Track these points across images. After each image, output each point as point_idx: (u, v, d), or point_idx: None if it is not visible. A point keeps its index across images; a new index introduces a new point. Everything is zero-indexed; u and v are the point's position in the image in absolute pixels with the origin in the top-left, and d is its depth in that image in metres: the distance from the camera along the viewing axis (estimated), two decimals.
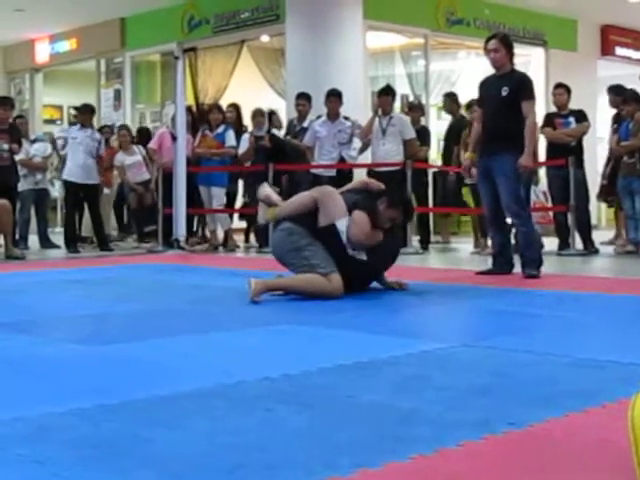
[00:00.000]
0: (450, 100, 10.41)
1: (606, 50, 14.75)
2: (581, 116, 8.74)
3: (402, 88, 12.11)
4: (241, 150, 9.82)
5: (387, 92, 9.08)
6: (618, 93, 8.98)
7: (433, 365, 2.88)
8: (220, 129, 9.88)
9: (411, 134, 9.03)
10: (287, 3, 11.60)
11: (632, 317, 4.19)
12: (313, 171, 9.27)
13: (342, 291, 4.69)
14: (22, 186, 9.79)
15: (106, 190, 10.87)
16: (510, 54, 6.25)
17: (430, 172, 10.49)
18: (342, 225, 4.81)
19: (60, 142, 10.53)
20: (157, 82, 14.71)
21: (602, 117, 11.45)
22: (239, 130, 10.11)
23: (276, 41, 12.56)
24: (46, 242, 10.31)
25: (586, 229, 8.64)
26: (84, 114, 10.01)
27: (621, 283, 5.98)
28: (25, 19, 13.98)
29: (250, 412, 2.23)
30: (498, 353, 3.08)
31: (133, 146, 10.61)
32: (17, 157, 9.47)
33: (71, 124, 11.13)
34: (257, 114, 9.90)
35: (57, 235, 10.89)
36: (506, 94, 6.10)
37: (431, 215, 10.27)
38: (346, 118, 9.34)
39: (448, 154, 9.88)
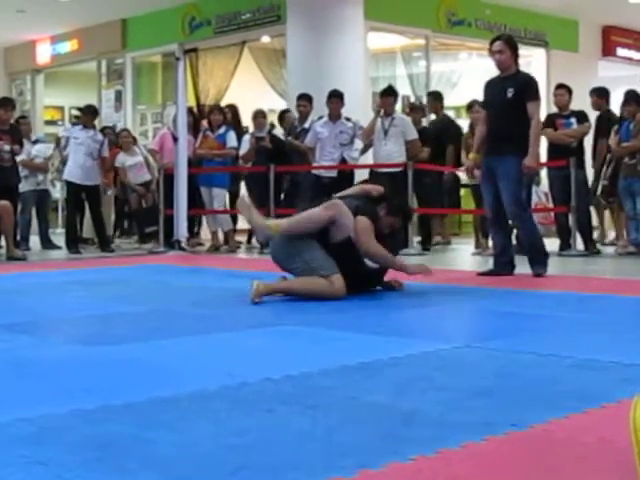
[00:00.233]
0: (432, 99, 10.42)
1: (607, 51, 14.76)
2: (582, 117, 8.74)
3: (403, 89, 12.12)
4: (242, 151, 9.84)
5: (389, 93, 9.09)
6: (600, 95, 8.94)
7: (435, 366, 2.88)
8: (221, 130, 9.89)
9: (413, 135, 9.04)
10: (288, 4, 11.61)
11: (634, 318, 4.20)
12: (314, 172, 9.27)
13: (344, 292, 4.69)
14: (23, 187, 9.80)
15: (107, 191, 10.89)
16: (515, 55, 6.26)
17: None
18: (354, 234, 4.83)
19: (63, 141, 10.55)
20: (158, 83, 14.72)
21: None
22: (237, 131, 10.12)
23: (277, 42, 12.57)
24: (47, 243, 10.32)
25: (587, 230, 8.65)
26: (87, 115, 10.02)
27: (623, 284, 5.98)
28: (26, 20, 14.00)
29: (252, 413, 2.24)
30: (500, 354, 3.08)
31: (134, 147, 10.62)
32: (18, 158, 9.48)
33: (73, 124, 11.13)
34: (258, 115, 9.91)
35: (58, 236, 10.90)
36: (511, 95, 6.11)
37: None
38: (347, 119, 9.35)
39: (436, 154, 9.80)
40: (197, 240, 10.45)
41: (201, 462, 1.81)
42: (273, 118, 11.09)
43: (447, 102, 13.74)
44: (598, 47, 14.71)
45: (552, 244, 8.37)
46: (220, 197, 9.82)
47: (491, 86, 6.42)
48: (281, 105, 11.97)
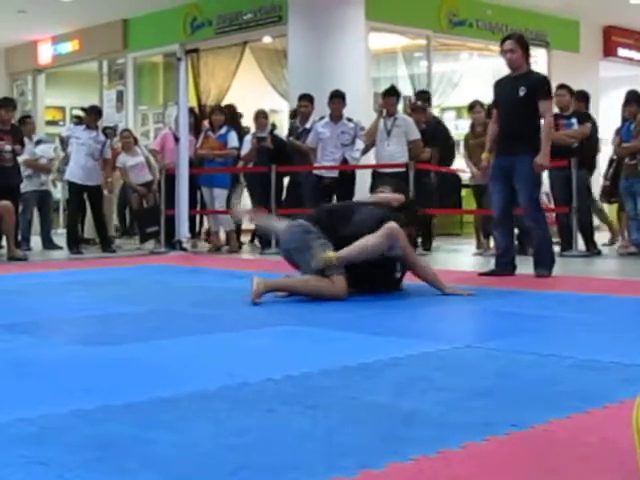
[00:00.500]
0: (421, 99, 10.41)
1: (608, 51, 14.76)
2: (583, 117, 8.73)
3: (404, 89, 12.12)
4: (244, 151, 9.84)
5: (392, 93, 9.09)
6: (579, 98, 8.90)
7: (435, 366, 2.87)
8: (222, 130, 9.89)
9: (416, 135, 9.03)
10: (289, 4, 11.62)
11: (635, 318, 4.20)
12: (316, 172, 9.27)
13: (346, 293, 4.69)
14: (25, 187, 9.81)
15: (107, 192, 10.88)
16: (526, 55, 6.25)
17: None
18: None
19: (66, 140, 10.56)
20: (159, 83, 14.73)
21: (604, 118, 11.44)
22: (237, 131, 10.12)
23: (278, 42, 12.57)
24: (49, 243, 10.32)
25: (588, 230, 8.64)
26: (90, 115, 10.03)
27: (624, 284, 5.98)
28: (28, 20, 14.01)
29: (252, 413, 2.23)
30: (500, 354, 3.08)
31: (135, 147, 10.62)
32: (21, 158, 9.48)
33: (76, 124, 11.13)
34: (260, 115, 9.90)
35: (59, 236, 10.90)
36: (523, 94, 6.10)
37: None
38: (349, 119, 9.35)
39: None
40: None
41: (201, 462, 1.81)
42: (275, 118, 11.10)
43: (448, 102, 13.80)
44: (599, 47, 14.71)
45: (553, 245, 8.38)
46: (221, 197, 9.82)
47: (501, 85, 6.41)
48: (282, 105, 11.98)
